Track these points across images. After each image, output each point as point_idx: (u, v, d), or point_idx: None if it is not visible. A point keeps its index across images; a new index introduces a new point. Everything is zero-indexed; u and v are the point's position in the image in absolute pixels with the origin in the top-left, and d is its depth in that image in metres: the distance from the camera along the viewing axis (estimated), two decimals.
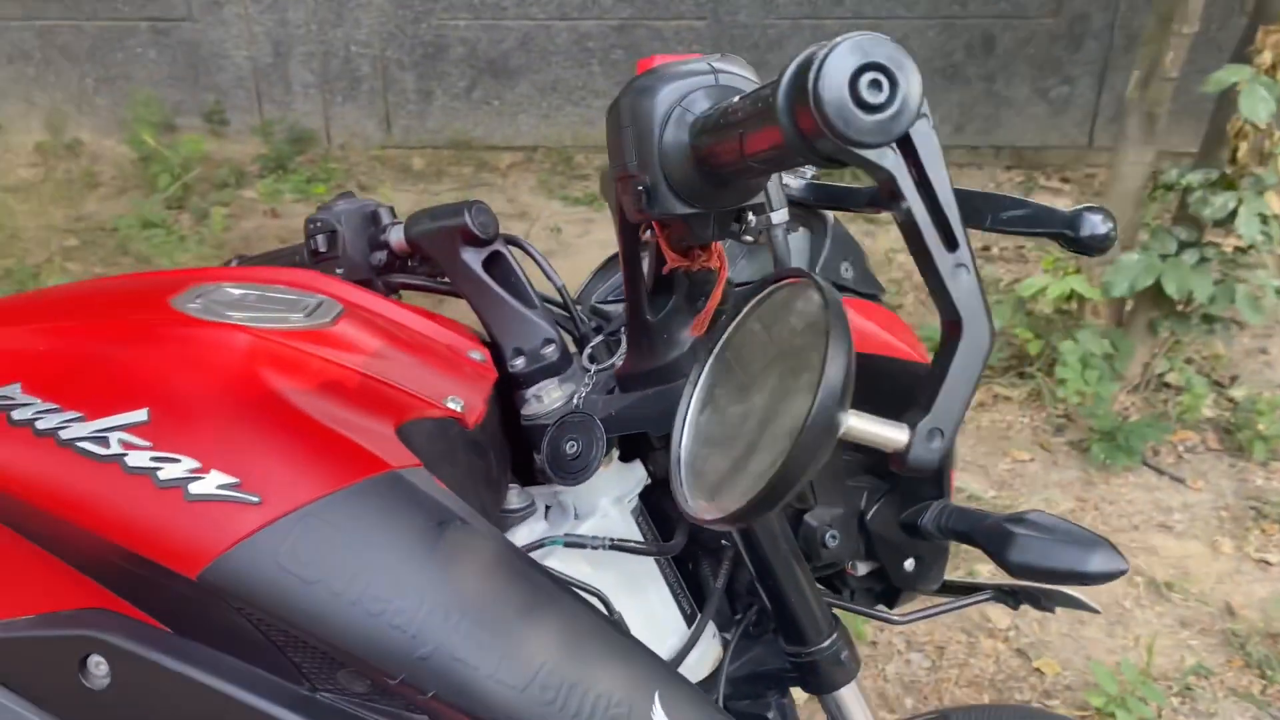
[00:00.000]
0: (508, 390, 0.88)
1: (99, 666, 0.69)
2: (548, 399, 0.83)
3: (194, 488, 0.65)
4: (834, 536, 0.87)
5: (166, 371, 0.71)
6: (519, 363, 0.87)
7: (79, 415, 0.68)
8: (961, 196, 0.57)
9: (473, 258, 0.90)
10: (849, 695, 0.86)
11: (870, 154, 0.51)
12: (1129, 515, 2.31)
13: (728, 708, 0.89)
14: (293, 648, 0.67)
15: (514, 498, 0.85)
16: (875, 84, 0.48)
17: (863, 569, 0.93)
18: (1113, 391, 2.53)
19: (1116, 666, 1.81)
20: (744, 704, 0.90)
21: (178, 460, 0.65)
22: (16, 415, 0.68)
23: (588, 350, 0.86)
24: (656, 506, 0.88)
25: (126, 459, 0.65)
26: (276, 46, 4.08)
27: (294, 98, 4.15)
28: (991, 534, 0.81)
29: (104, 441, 0.66)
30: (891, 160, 0.53)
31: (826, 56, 0.47)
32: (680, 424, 0.62)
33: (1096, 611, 0.97)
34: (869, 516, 0.89)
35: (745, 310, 0.61)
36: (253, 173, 3.86)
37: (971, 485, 2.38)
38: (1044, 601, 0.93)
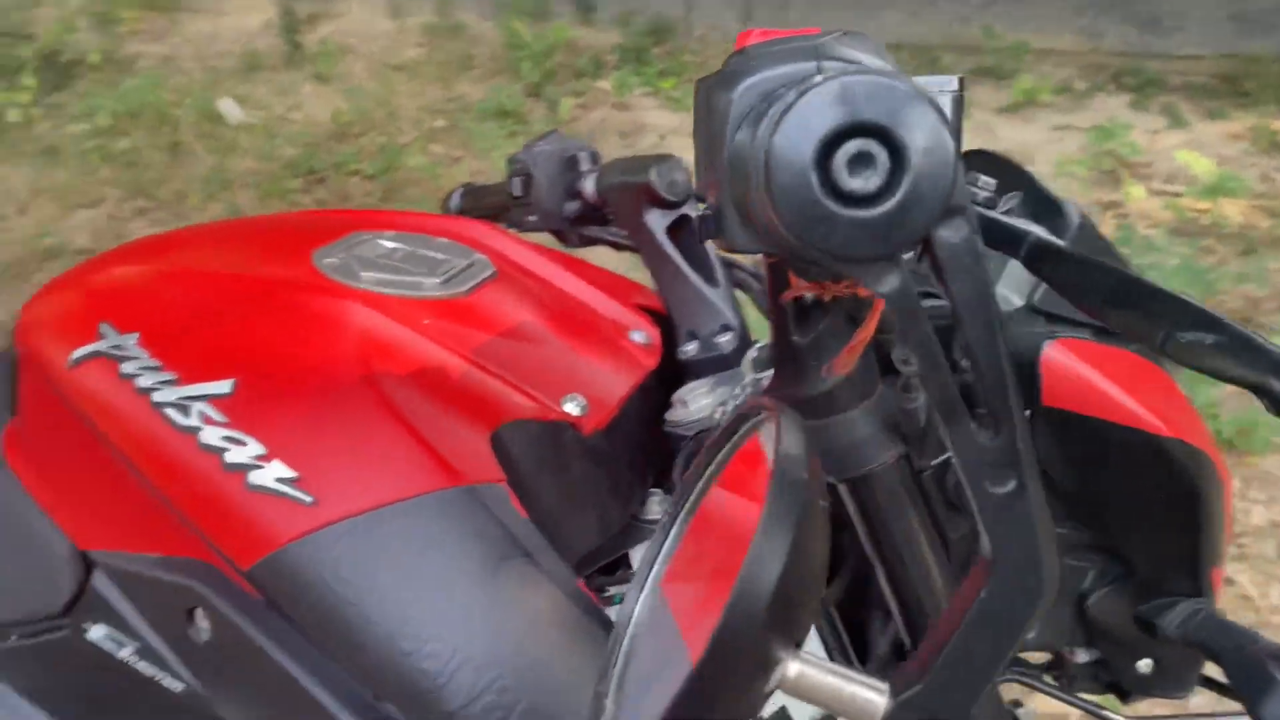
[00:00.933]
0: (672, 377, 0.77)
1: (203, 620, 0.68)
2: (694, 406, 0.71)
3: (254, 477, 0.61)
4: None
5: (263, 343, 0.68)
6: (690, 348, 0.76)
7: (174, 377, 0.66)
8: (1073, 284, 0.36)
9: (657, 221, 0.79)
10: None
11: (861, 270, 0.34)
12: None
13: None
14: None
15: (655, 506, 0.74)
16: (863, 159, 0.31)
17: (1084, 656, 0.75)
18: None
19: None
20: None
21: (245, 443, 0.62)
22: (125, 368, 0.67)
23: (751, 354, 0.73)
24: None
25: (201, 434, 0.63)
26: None
27: None
28: (1248, 667, 0.60)
29: (186, 410, 0.64)
30: (894, 284, 0.36)
31: (788, 109, 0.31)
32: (634, 593, 0.47)
33: None
34: (1091, 601, 0.70)
35: (716, 460, 0.45)
36: (610, 63, 3.88)
37: (1248, 582, 1.82)
38: None
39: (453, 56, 4.09)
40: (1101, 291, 0.50)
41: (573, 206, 0.89)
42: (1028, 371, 0.61)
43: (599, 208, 0.87)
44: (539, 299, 0.76)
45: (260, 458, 0.61)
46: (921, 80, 0.37)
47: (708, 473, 0.47)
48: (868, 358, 0.60)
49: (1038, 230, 0.60)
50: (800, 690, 0.38)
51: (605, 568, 0.73)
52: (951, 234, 0.36)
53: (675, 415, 0.72)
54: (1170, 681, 0.74)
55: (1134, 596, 0.69)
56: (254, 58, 4.10)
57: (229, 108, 3.71)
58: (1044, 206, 0.66)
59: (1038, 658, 0.80)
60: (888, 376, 0.62)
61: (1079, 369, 0.60)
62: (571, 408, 0.68)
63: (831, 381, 0.60)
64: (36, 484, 0.77)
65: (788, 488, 0.36)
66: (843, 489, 0.63)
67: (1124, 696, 0.77)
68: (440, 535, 0.59)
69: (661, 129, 3.42)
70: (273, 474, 0.60)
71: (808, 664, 0.38)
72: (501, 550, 0.59)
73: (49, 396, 0.74)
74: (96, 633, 0.74)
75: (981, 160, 0.68)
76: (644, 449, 0.75)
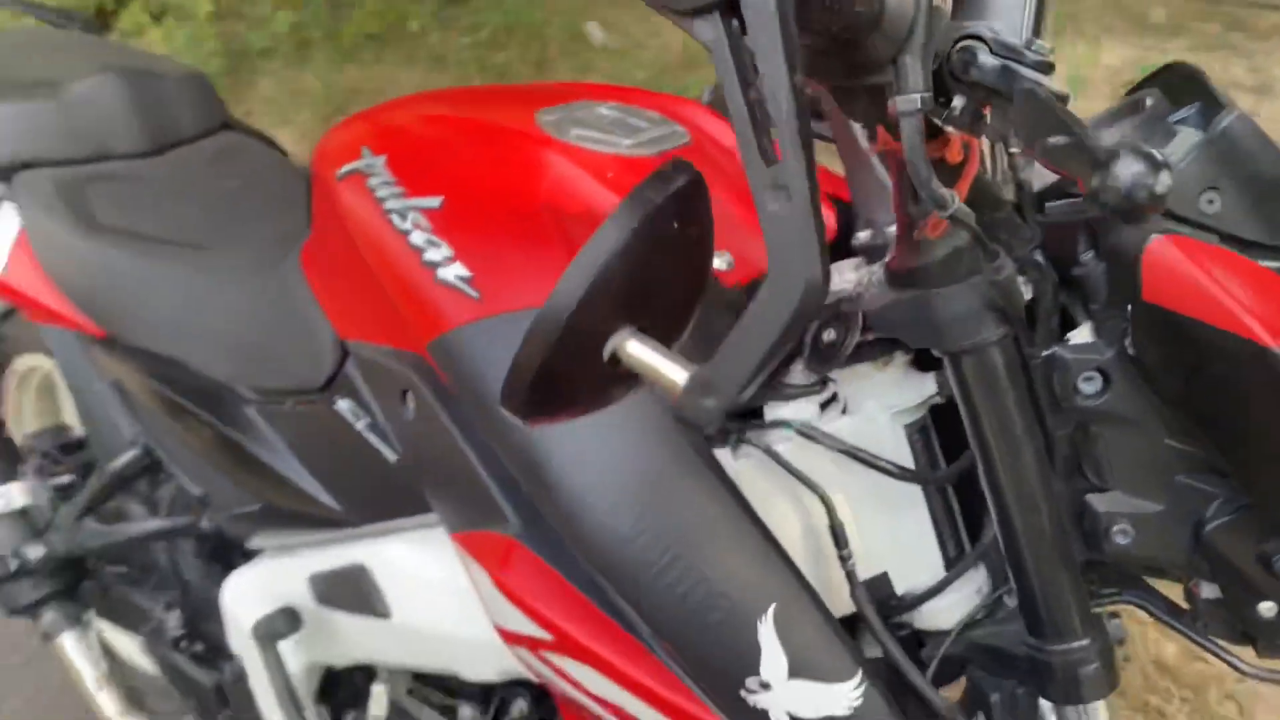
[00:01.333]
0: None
1: (411, 401, 0.83)
2: (838, 279, 0.76)
3: (441, 273, 0.74)
4: (1124, 533, 0.69)
5: (473, 173, 0.82)
6: (864, 235, 0.81)
7: (402, 191, 0.81)
8: None
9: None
10: (1089, 714, 0.71)
11: (688, 22, 0.43)
12: None
13: (947, 673, 0.78)
14: None
15: (798, 373, 0.80)
16: None
17: (1209, 592, 0.72)
18: None
19: None
20: (979, 675, 0.78)
21: (439, 246, 0.75)
22: (371, 181, 0.84)
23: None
24: (951, 429, 0.77)
25: (411, 236, 0.77)
26: None
27: None
28: None
29: (404, 217, 0.78)
30: (711, 33, 0.43)
31: None
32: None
33: None
34: (1208, 529, 0.68)
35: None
36: None
37: None
38: None
39: None
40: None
41: None
42: (1130, 264, 0.61)
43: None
44: (722, 169, 0.84)
45: (448, 259, 0.74)
46: None
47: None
48: (974, 242, 0.63)
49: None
50: (630, 362, 0.47)
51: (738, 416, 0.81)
52: None
53: None
54: None
55: (1257, 531, 0.67)
56: None
57: (594, 30, 3.98)
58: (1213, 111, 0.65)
59: (1170, 590, 0.78)
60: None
61: (1184, 266, 0.59)
62: (718, 262, 0.75)
63: (941, 251, 0.64)
64: (318, 285, 0.96)
65: (638, 201, 0.45)
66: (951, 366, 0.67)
67: (1257, 647, 0.74)
68: None
69: None
70: (454, 272, 0.74)
71: (639, 341, 0.47)
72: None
73: (326, 208, 0.92)
74: (343, 406, 0.92)
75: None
76: None
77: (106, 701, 1.40)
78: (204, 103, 1.36)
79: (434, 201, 0.78)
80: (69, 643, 1.35)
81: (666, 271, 0.48)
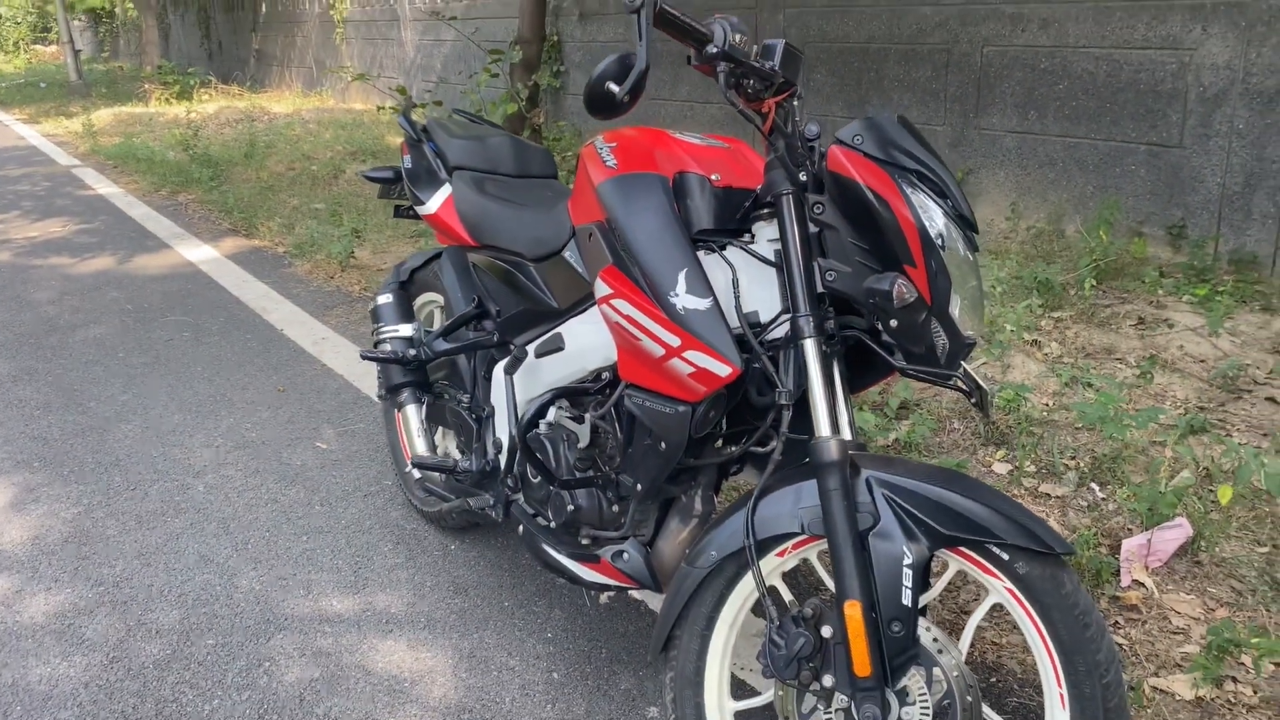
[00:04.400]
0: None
1: (589, 239, 1.81)
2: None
3: (608, 161, 1.77)
4: (832, 274, 1.52)
5: (630, 138, 1.82)
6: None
7: (609, 147, 1.83)
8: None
9: None
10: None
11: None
12: None
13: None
14: None
15: (759, 230, 1.70)
16: None
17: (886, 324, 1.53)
18: None
19: None
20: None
21: (611, 156, 1.75)
22: (601, 154, 1.86)
23: None
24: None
25: (602, 153, 1.82)
26: (1248, 177, 4.49)
27: (1251, 225, 4.51)
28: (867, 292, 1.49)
29: (602, 152, 1.83)
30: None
31: None
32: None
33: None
34: (830, 278, 1.55)
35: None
36: (1174, 280, 4.37)
37: None
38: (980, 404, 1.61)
39: (1039, 251, 4.86)
40: None
41: None
42: (824, 158, 1.56)
43: None
44: (733, 156, 1.84)
45: (611, 154, 1.79)
46: None
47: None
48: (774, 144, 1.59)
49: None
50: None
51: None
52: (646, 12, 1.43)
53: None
54: (898, 350, 1.56)
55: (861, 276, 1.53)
56: None
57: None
58: None
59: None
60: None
61: (840, 155, 1.52)
62: (714, 176, 1.69)
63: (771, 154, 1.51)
64: (569, 207, 2.05)
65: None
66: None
67: (900, 353, 1.57)
68: (646, 183, 1.73)
69: None
70: (611, 160, 1.80)
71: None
72: (659, 193, 1.72)
73: (580, 170, 1.88)
74: (568, 255, 2.06)
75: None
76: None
77: (420, 445, 2.53)
78: (546, 164, 2.54)
79: (613, 144, 1.77)
80: (410, 410, 2.55)
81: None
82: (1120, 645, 2.17)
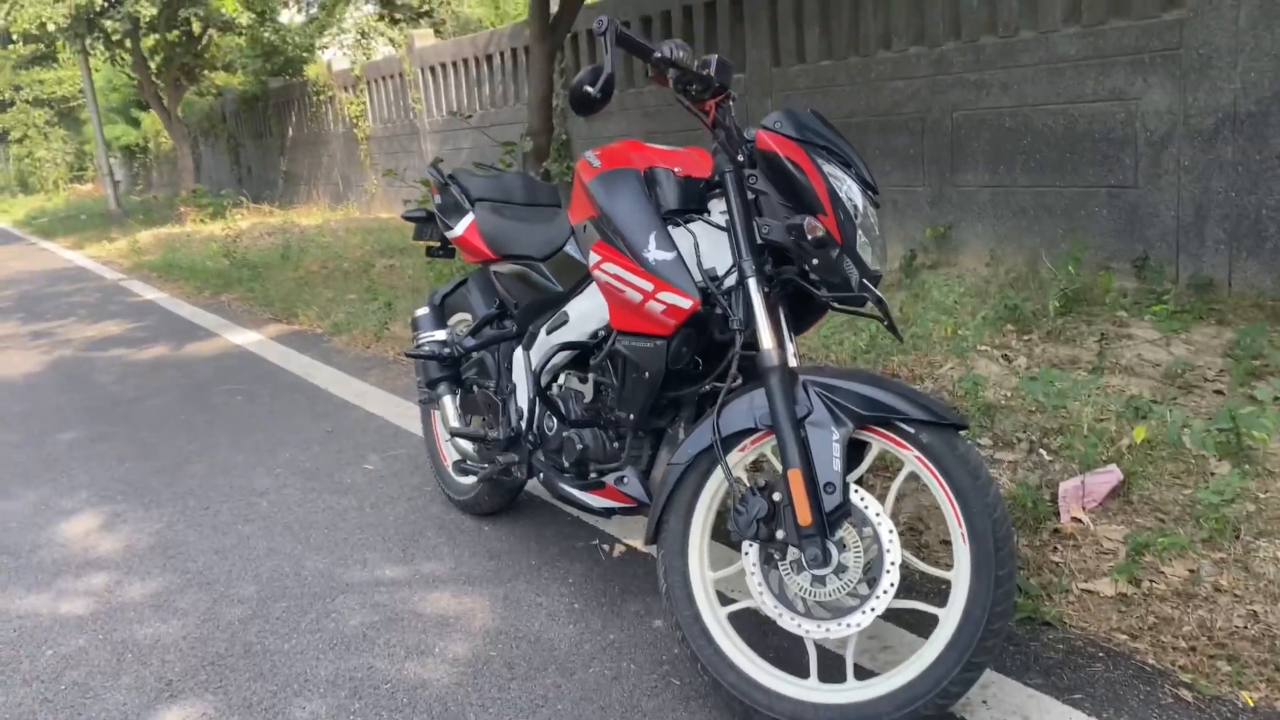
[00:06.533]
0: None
1: (584, 230, 2.17)
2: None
3: (592, 162, 2.22)
4: (766, 229, 1.96)
5: (615, 148, 2.28)
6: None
7: (595, 154, 2.29)
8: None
9: None
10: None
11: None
12: None
13: None
14: None
15: (713, 206, 2.13)
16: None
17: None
18: None
19: None
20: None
21: (597, 159, 2.22)
22: (589, 158, 2.59)
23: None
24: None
25: (590, 158, 2.26)
26: (1198, 209, 4.94)
27: (1205, 251, 4.94)
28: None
29: (592, 158, 2.29)
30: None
31: None
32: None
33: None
34: (765, 231, 1.98)
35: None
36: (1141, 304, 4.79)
37: None
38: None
39: (1017, 291, 5.30)
40: None
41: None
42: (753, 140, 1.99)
43: None
44: (685, 157, 2.28)
45: (597, 158, 2.24)
46: None
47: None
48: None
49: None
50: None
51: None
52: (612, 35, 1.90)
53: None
54: (832, 284, 1.99)
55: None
56: None
57: None
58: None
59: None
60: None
61: (765, 137, 1.99)
62: (676, 169, 2.16)
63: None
64: (569, 212, 2.49)
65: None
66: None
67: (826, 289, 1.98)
68: (625, 177, 2.17)
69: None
70: (598, 162, 2.24)
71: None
72: (642, 182, 2.19)
73: (576, 179, 2.33)
74: (569, 249, 2.66)
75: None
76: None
77: (456, 425, 3.01)
78: (552, 196, 3.03)
79: (598, 153, 2.23)
80: (447, 400, 3.06)
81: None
82: (1056, 564, 2.54)
